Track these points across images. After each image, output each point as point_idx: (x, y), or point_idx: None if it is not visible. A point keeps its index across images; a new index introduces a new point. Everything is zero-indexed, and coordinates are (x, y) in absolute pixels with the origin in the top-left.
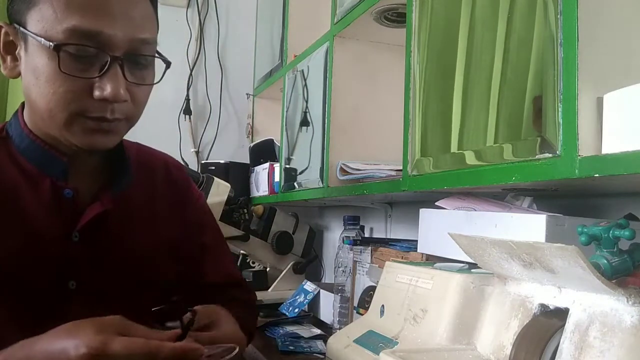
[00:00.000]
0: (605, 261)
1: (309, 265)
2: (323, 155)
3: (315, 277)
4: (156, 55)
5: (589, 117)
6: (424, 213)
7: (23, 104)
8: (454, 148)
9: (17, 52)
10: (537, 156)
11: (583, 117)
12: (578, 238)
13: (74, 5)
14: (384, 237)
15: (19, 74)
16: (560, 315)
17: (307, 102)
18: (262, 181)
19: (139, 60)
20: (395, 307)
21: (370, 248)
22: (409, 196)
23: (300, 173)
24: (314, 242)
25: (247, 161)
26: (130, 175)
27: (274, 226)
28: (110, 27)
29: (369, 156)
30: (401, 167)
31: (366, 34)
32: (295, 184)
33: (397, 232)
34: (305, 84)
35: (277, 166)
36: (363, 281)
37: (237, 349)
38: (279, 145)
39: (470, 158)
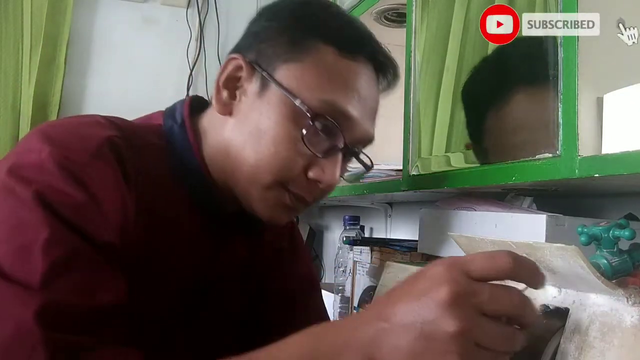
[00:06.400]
0: (605, 261)
1: None
2: None
3: None
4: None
5: (589, 117)
6: (424, 213)
7: (191, 101)
8: (453, 148)
9: (238, 90)
10: (537, 156)
11: (583, 117)
12: (578, 238)
13: (339, 82)
14: (384, 237)
15: (231, 113)
16: (560, 315)
17: None
18: None
19: (352, 155)
20: None
21: (370, 248)
22: (409, 196)
23: None
24: (314, 242)
25: None
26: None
27: None
28: (360, 116)
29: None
30: (401, 167)
31: None
32: None
33: (397, 232)
34: None
35: None
36: (363, 281)
37: None
38: None
39: (469, 158)
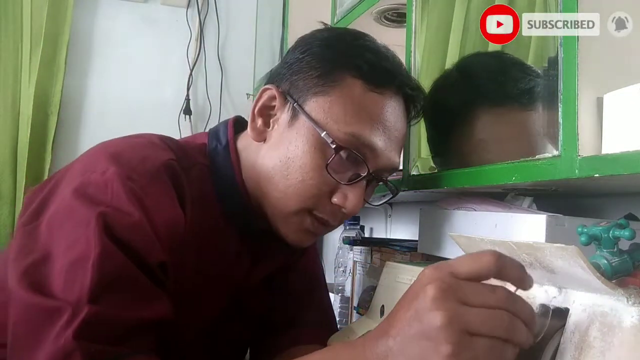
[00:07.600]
0: (605, 261)
1: None
2: None
3: None
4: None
5: (589, 117)
6: (424, 213)
7: (235, 121)
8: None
9: (272, 118)
10: (537, 156)
11: (583, 117)
12: (578, 238)
13: (365, 114)
14: (384, 237)
15: (265, 140)
16: (560, 315)
17: None
18: None
19: (377, 182)
20: None
21: (370, 248)
22: (409, 196)
23: None
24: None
25: None
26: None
27: None
28: (384, 147)
29: None
30: (401, 167)
31: None
32: None
33: (397, 232)
34: None
35: None
36: (363, 281)
37: None
38: None
39: None
